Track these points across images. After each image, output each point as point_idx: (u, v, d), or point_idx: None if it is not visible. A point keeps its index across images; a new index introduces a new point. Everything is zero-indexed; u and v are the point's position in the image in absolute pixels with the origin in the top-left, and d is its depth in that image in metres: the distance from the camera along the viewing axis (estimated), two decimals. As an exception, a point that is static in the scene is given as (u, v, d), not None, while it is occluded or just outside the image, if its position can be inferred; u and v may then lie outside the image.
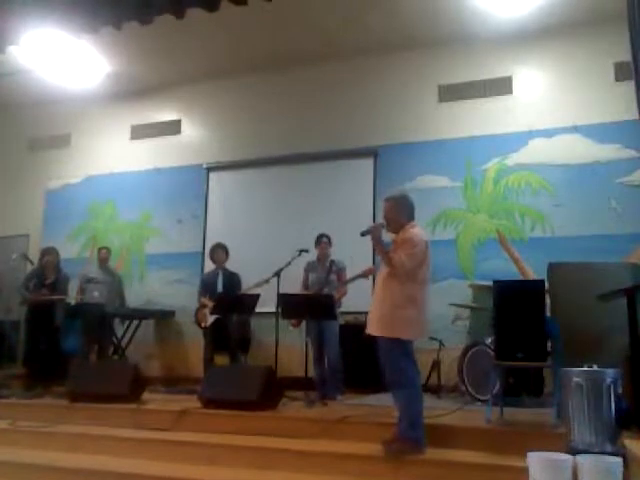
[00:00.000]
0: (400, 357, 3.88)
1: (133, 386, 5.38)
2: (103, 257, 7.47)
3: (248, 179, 8.15)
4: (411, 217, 4.13)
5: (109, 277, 7.40)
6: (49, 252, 7.01)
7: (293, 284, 6.01)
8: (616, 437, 3.39)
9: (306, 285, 6.12)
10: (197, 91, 8.58)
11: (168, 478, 3.85)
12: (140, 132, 8.85)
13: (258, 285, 6.10)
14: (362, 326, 6.49)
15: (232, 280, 6.81)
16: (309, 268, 6.15)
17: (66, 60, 7.81)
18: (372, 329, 3.99)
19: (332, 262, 6.03)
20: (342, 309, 6.10)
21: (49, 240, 8.35)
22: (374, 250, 6.80)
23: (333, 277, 5.99)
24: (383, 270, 4.06)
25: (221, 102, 8.48)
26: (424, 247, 3.99)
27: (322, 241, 6.05)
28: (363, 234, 4.10)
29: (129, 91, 8.73)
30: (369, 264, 6.35)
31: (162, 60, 7.99)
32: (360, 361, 6.12)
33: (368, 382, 5.95)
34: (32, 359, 6.74)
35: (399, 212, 4.11)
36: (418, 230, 4.08)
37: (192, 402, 5.07)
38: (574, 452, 3.27)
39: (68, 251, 8.22)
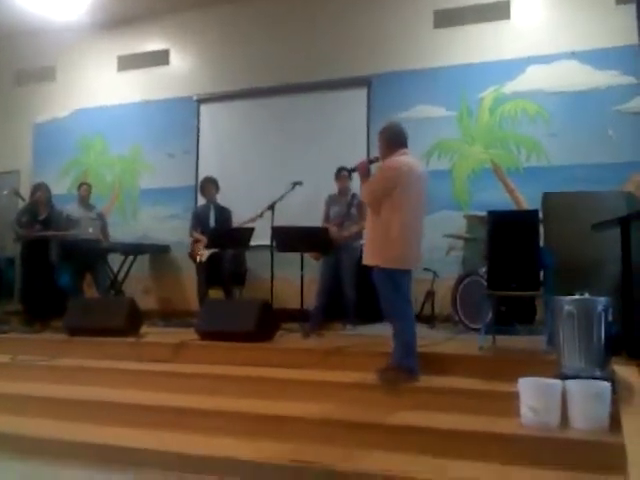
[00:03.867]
0: (387, 287, 3.93)
1: (130, 320, 5.44)
2: (83, 194, 7.26)
3: (239, 111, 7.99)
4: (398, 145, 4.08)
5: (91, 214, 7.23)
6: (40, 188, 6.93)
7: (288, 217, 5.98)
8: (605, 363, 3.47)
9: (327, 218, 6.03)
10: (185, 19, 8.28)
11: (168, 408, 3.95)
12: (127, 63, 8.59)
13: (252, 220, 6.07)
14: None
15: (223, 214, 6.79)
16: (330, 201, 6.07)
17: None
18: (364, 259, 4.10)
19: (353, 195, 5.94)
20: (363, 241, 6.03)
21: (40, 176, 8.25)
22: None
23: (354, 210, 5.92)
24: None
25: (210, 31, 8.20)
26: (394, 174, 3.95)
27: (342, 174, 5.95)
28: (352, 171, 4.33)
29: (114, 20, 8.41)
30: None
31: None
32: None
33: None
34: (29, 295, 6.79)
35: (384, 143, 4.13)
36: (399, 158, 4.02)
37: (189, 335, 5.13)
38: (564, 377, 3.35)
39: (60, 187, 8.14)
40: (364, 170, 4.15)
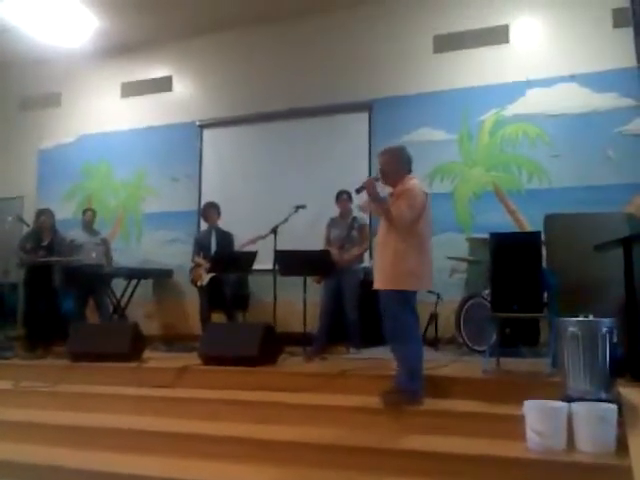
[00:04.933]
0: (401, 309, 3.91)
1: (133, 345, 5.43)
2: (88, 219, 7.34)
3: (241, 136, 8.05)
4: (409, 169, 4.12)
5: (95, 239, 7.27)
6: (44, 213, 6.96)
7: (290, 240, 5.99)
8: (611, 385, 3.44)
9: (328, 241, 6.06)
10: (188, 46, 8.40)
11: (171, 434, 3.92)
12: (131, 90, 8.70)
13: (253, 241, 6.08)
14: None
15: (225, 238, 6.81)
16: (331, 224, 6.10)
17: (54, 17, 7.59)
18: (376, 283, 4.03)
19: (354, 218, 5.96)
20: (366, 264, 6.08)
21: (44, 201, 8.31)
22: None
23: (355, 233, 5.93)
24: (383, 224, 4.06)
25: (212, 57, 8.31)
26: (424, 199, 3.99)
27: (342, 197, 5.98)
28: (358, 191, 4.09)
29: (118, 48, 8.53)
30: (366, 218, 6.31)
31: (151, 15, 7.78)
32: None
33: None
34: (32, 321, 6.77)
35: (396, 164, 4.10)
36: (417, 182, 4.08)
37: (192, 359, 5.12)
38: (569, 400, 3.33)
39: (64, 212, 8.18)
40: (373, 189, 3.98)
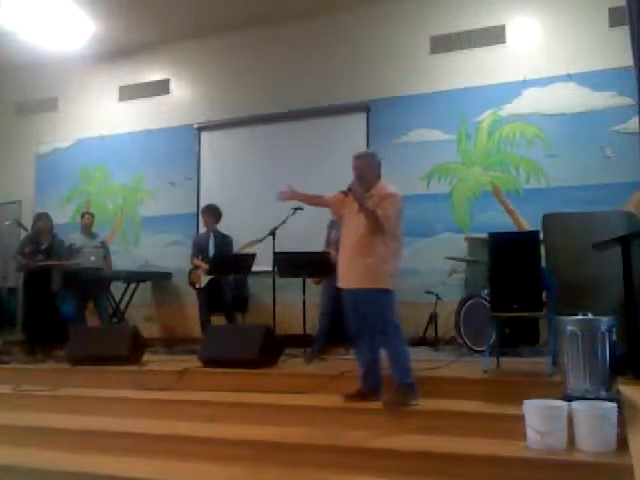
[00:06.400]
0: (387, 308, 3.95)
1: (133, 348, 5.43)
2: (86, 223, 7.37)
3: (240, 138, 8.05)
4: (380, 174, 4.17)
5: (94, 242, 7.29)
6: (42, 218, 6.96)
7: (289, 242, 5.99)
8: (611, 383, 3.45)
9: (329, 242, 6.04)
10: (185, 49, 8.40)
11: (170, 436, 3.91)
12: (128, 93, 8.70)
13: (252, 244, 6.08)
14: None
15: (224, 241, 6.80)
16: (331, 225, 6.08)
17: (50, 21, 7.60)
18: (354, 283, 4.01)
19: None
20: None
21: (42, 206, 8.33)
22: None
23: None
24: (359, 226, 4.02)
25: (209, 60, 8.32)
26: (402, 203, 4.08)
27: None
28: (346, 193, 4.07)
29: (115, 51, 8.54)
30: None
31: (148, 18, 7.79)
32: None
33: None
34: (31, 325, 6.77)
35: (373, 169, 4.15)
36: (393, 186, 4.13)
37: (192, 362, 5.12)
38: (569, 399, 3.33)
39: (62, 216, 8.19)
40: (359, 191, 3.96)
